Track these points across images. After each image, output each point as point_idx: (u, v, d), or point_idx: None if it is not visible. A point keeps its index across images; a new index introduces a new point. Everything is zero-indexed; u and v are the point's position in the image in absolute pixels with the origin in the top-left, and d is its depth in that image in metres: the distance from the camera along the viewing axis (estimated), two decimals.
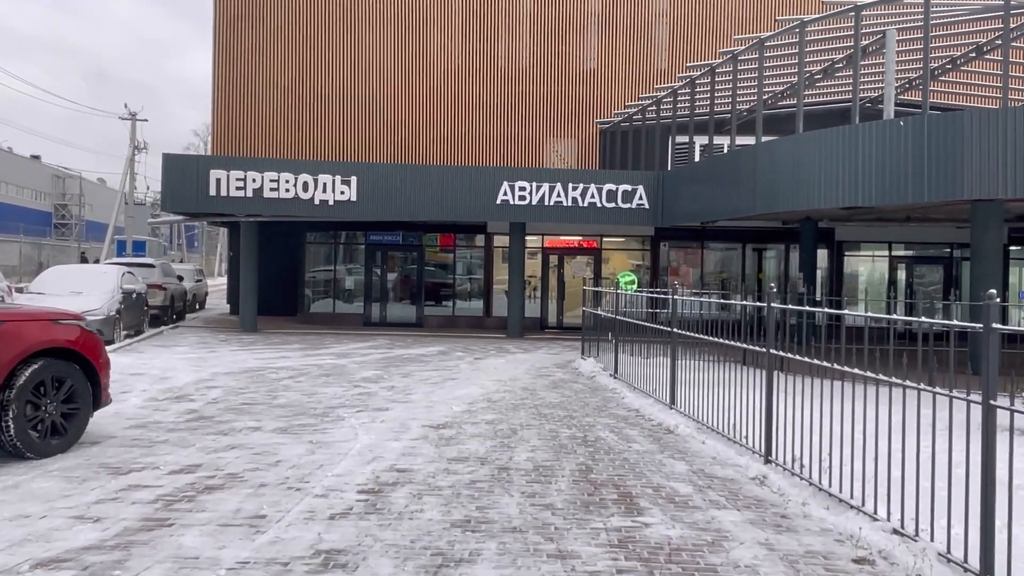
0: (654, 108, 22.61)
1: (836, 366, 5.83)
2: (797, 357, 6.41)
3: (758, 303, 7.43)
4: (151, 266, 22.01)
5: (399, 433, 8.10)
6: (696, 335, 8.96)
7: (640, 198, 20.26)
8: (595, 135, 26.36)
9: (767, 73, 18.62)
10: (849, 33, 16.98)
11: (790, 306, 6.87)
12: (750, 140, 18.35)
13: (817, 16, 16.21)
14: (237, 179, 19.49)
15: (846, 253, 23.30)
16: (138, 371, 12.30)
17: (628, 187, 20.28)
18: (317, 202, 19.67)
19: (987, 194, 12.37)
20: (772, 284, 7.16)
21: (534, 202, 20.10)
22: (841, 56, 19.07)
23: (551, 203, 20.11)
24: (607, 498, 5.88)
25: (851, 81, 16.71)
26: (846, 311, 6.12)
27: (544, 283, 23.40)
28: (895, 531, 4.92)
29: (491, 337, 20.70)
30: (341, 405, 9.74)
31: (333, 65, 26.24)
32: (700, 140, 22.69)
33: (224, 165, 19.89)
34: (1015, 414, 4.22)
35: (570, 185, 20.16)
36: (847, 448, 5.73)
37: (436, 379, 12.39)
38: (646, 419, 9.26)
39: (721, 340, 8.12)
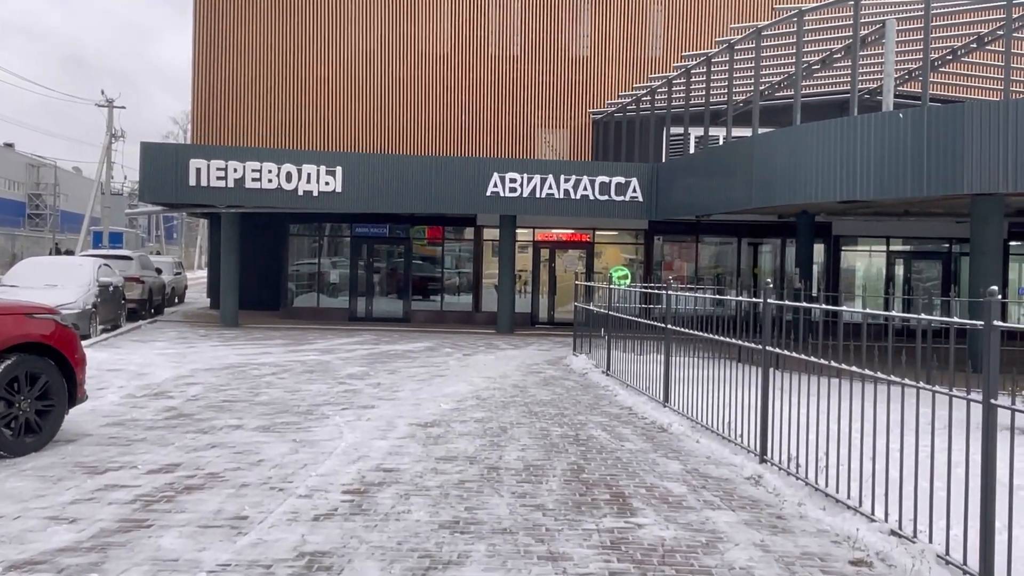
0: (648, 98, 22.61)
1: (833, 363, 5.85)
2: (793, 354, 6.43)
3: (754, 299, 7.45)
4: (128, 258, 21.90)
5: (385, 431, 8.08)
6: (691, 331, 8.98)
7: (634, 190, 20.28)
8: (588, 125, 26.35)
9: (764, 63, 18.65)
10: (848, 23, 17.01)
11: (787, 302, 6.89)
12: (746, 132, 18.38)
13: (816, 5, 16.24)
14: (218, 169, 19.38)
15: (843, 248, 23.40)
16: (115, 367, 12.24)
17: (621, 179, 20.29)
18: (301, 193, 19.59)
19: (988, 188, 12.44)
20: (769, 280, 7.18)
21: (525, 194, 20.09)
22: (840, 46, 19.11)
23: (542, 195, 20.10)
24: (599, 498, 5.89)
25: (850, 72, 16.74)
26: (844, 307, 6.14)
27: (535, 277, 23.40)
28: (893, 532, 4.94)
29: (480, 333, 20.69)
30: (326, 403, 9.72)
31: (317, 52, 26.11)
32: (695, 131, 22.75)
33: (204, 154, 19.79)
34: (1016, 413, 4.25)
35: (562, 177, 20.15)
36: (844, 447, 5.75)
37: (424, 376, 12.37)
38: (639, 417, 9.28)
39: (716, 337, 8.14)
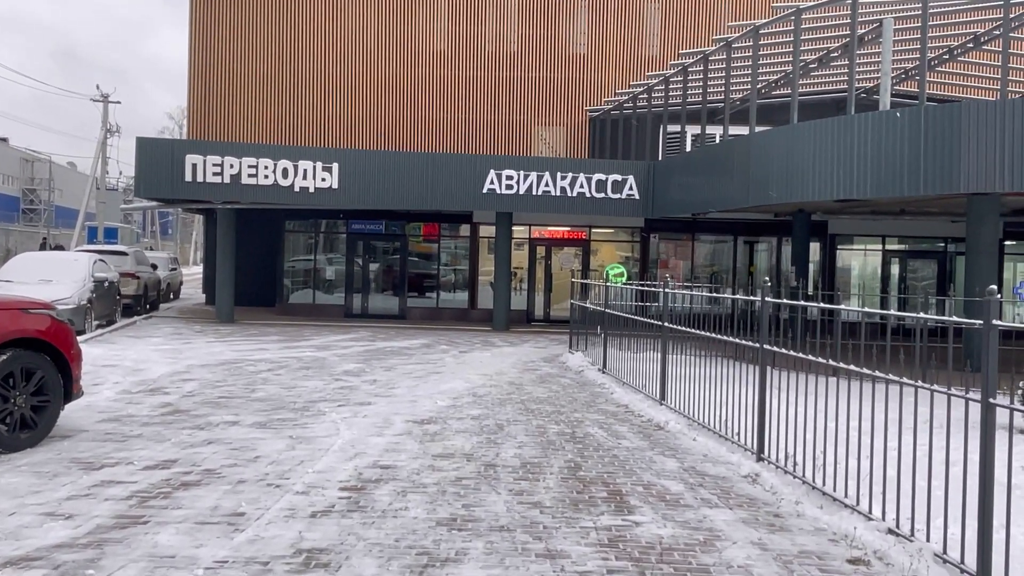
0: (645, 96, 22.61)
1: (830, 362, 5.85)
2: (790, 352, 6.44)
3: (751, 297, 7.45)
4: (124, 254, 21.81)
5: (382, 428, 8.07)
6: (687, 329, 8.98)
7: (630, 188, 20.28)
8: (585, 123, 26.34)
9: (761, 61, 18.66)
10: (845, 21, 17.01)
11: (785, 300, 6.89)
12: (743, 130, 18.40)
13: (813, 3, 16.24)
14: (214, 164, 19.33)
15: (839, 246, 23.44)
16: (111, 362, 12.20)
17: (618, 177, 20.29)
18: (297, 189, 19.55)
19: (984, 188, 12.47)
20: (767, 278, 7.18)
21: (521, 191, 20.07)
22: (837, 45, 19.12)
23: (539, 192, 20.09)
24: (596, 496, 5.88)
25: (847, 71, 16.76)
26: (842, 306, 6.15)
27: (531, 275, 23.39)
28: (890, 531, 4.95)
29: (476, 330, 20.69)
30: (322, 399, 9.70)
31: (315, 47, 26.06)
32: (692, 130, 22.75)
33: (200, 150, 19.73)
34: (1015, 412, 4.25)
35: (559, 174, 20.14)
36: (841, 446, 5.76)
37: (420, 373, 12.36)
38: (636, 415, 9.28)
39: (713, 335, 8.14)
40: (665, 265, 23.67)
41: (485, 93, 26.31)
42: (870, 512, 5.23)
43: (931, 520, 4.73)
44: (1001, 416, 4.34)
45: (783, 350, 6.61)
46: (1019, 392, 7.03)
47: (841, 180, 13.72)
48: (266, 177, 19.43)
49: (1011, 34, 15.30)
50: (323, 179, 19.60)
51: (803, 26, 16.25)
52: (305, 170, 19.53)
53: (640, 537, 5.01)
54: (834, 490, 5.69)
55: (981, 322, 4.27)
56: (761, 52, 17.99)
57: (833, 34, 18.84)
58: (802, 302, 6.68)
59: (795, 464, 6.32)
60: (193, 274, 49.38)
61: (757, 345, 7.02)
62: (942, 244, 22.96)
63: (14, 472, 6.07)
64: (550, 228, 23.21)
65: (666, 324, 9.66)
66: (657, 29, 26.57)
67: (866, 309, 5.70)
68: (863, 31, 17.23)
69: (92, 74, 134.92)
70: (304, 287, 23.86)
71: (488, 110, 26.31)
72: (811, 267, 21.05)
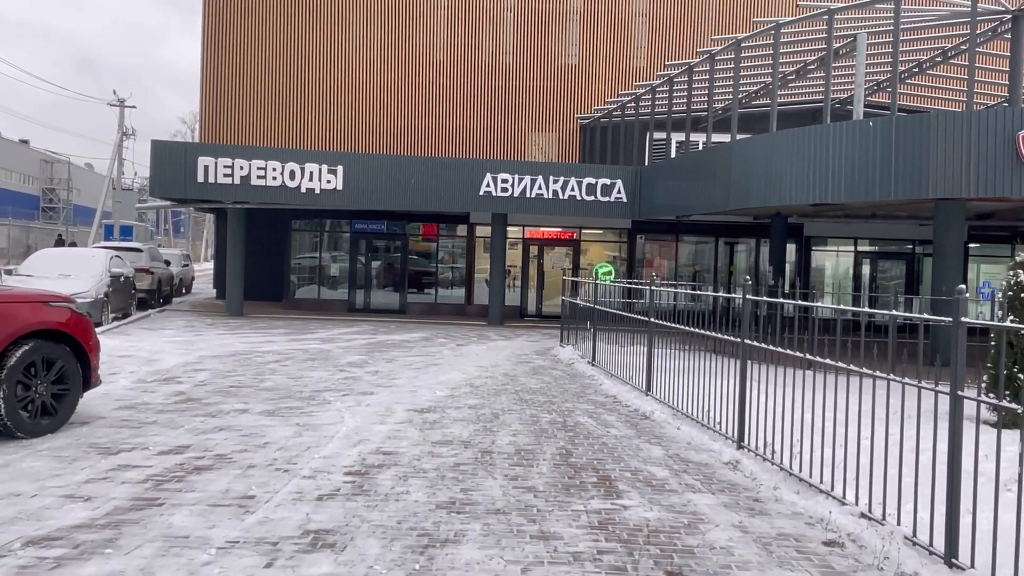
0: (633, 105, 22.61)
1: (807, 356, 5.86)
2: (770, 347, 6.45)
3: (733, 295, 7.47)
4: (139, 250, 21.72)
5: (384, 417, 8.05)
6: (671, 325, 8.99)
7: (618, 192, 20.28)
8: (576, 130, 26.33)
9: (743, 73, 18.67)
10: (822, 36, 17.05)
11: (764, 298, 6.90)
12: (725, 138, 18.41)
13: (792, 19, 16.26)
14: (225, 166, 19.25)
15: (814, 248, 23.49)
16: (126, 353, 12.14)
17: (607, 181, 20.29)
18: (304, 190, 19.48)
19: (951, 193, 12.51)
20: (747, 277, 7.19)
21: (516, 194, 20.05)
22: (814, 58, 19.16)
23: (532, 195, 20.07)
24: (587, 481, 5.88)
25: (823, 82, 16.78)
26: (818, 303, 6.16)
27: (524, 272, 23.38)
28: (863, 515, 4.96)
29: (472, 324, 20.67)
30: (327, 389, 9.67)
31: (322, 55, 25.97)
32: (677, 137, 22.74)
33: (212, 152, 19.64)
34: (981, 404, 4.27)
35: (551, 178, 20.13)
36: (817, 435, 5.77)
37: (419, 364, 12.34)
38: (623, 405, 9.29)
39: (696, 330, 8.15)
40: (651, 264, 23.69)
41: (482, 101, 26.27)
42: (844, 497, 5.24)
43: (902, 505, 4.74)
44: (968, 408, 4.35)
45: (762, 345, 6.63)
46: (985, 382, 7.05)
47: (817, 185, 13.75)
48: (274, 179, 19.35)
49: (977, 49, 15.33)
50: (328, 181, 19.53)
51: (782, 40, 16.28)
52: (311, 172, 19.46)
53: (628, 520, 5.02)
54: (810, 476, 5.71)
55: (951, 319, 4.28)
56: (743, 64, 18.00)
57: (810, 48, 18.88)
58: (780, 300, 6.69)
59: (773, 452, 6.34)
60: (204, 270, 49.19)
61: (738, 340, 7.03)
62: (910, 246, 23.03)
63: (36, 456, 6.04)
64: (542, 229, 23.19)
65: (652, 320, 9.67)
66: (644, 42, 26.56)
67: (840, 307, 5.71)
68: (838, 45, 17.28)
69: (109, 79, 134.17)
70: (310, 283, 23.80)
71: (485, 117, 26.27)
72: (788, 267, 21.08)
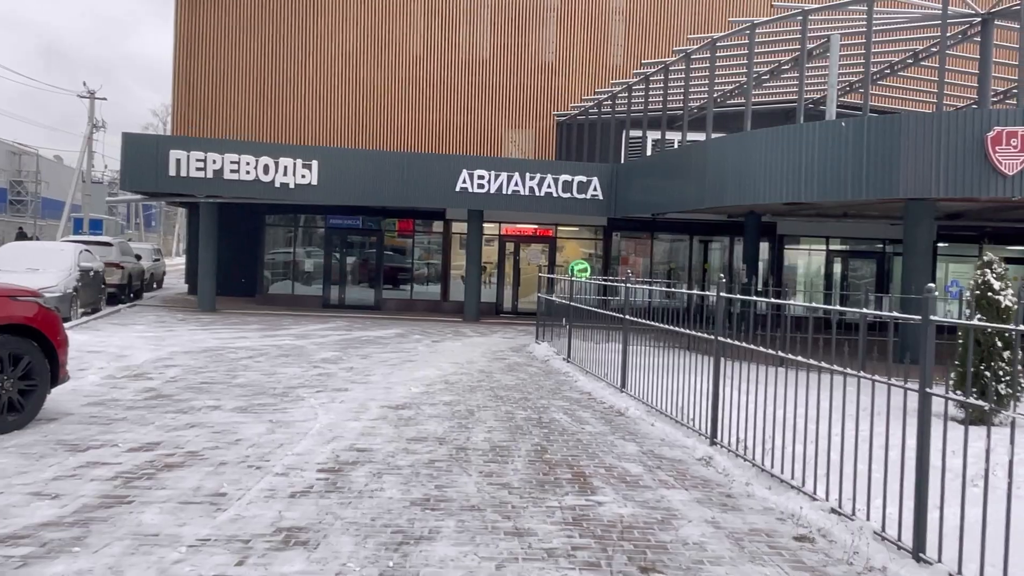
0: (609, 103, 22.67)
1: (779, 353, 5.92)
2: (743, 344, 6.50)
3: (707, 292, 7.51)
4: (109, 244, 21.38)
5: (358, 413, 8.01)
6: (646, 322, 9.03)
7: (594, 189, 20.33)
8: (552, 127, 26.34)
9: (718, 72, 18.79)
10: (796, 36, 17.22)
11: (737, 296, 6.95)
12: (700, 136, 18.52)
13: (767, 19, 16.40)
14: (197, 160, 19.02)
15: (787, 246, 23.74)
16: (95, 349, 11.96)
17: (583, 178, 20.33)
18: (278, 185, 19.30)
19: (920, 193, 12.70)
20: (722, 275, 7.24)
21: (492, 190, 20.03)
22: (788, 58, 19.33)
23: (509, 192, 20.06)
24: (561, 477, 5.90)
25: (797, 82, 16.95)
26: (790, 301, 6.22)
27: (500, 269, 23.38)
28: (833, 511, 5.02)
29: (448, 321, 20.62)
30: (301, 385, 9.60)
31: (296, 49, 25.72)
32: (653, 135, 22.85)
33: (184, 145, 19.39)
34: (948, 401, 4.34)
35: (527, 175, 20.13)
36: (788, 431, 5.83)
37: (394, 361, 12.29)
38: (598, 402, 9.32)
39: (670, 327, 8.19)
40: (626, 262, 23.80)
41: (459, 97, 26.19)
42: (815, 493, 5.30)
43: (871, 501, 4.81)
44: (936, 405, 4.42)
45: (735, 342, 6.68)
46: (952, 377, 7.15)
47: (790, 184, 13.88)
48: (248, 173, 19.15)
49: (947, 52, 15.57)
50: (303, 175, 19.37)
51: (757, 40, 16.41)
52: (286, 166, 19.29)
53: (602, 516, 5.03)
54: (782, 472, 5.76)
55: (920, 317, 4.34)
56: (718, 64, 18.12)
57: (784, 48, 19.05)
58: (753, 297, 6.74)
59: (746, 448, 6.40)
60: (176, 265, 48.57)
61: (711, 337, 7.08)
62: (881, 245, 23.35)
63: (2, 453, 5.92)
64: (519, 225, 23.20)
65: (627, 317, 9.71)
66: (621, 40, 26.63)
67: (811, 304, 5.77)
68: (812, 46, 17.44)
69: (79, 71, 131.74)
70: (283, 278, 23.60)
71: (462, 113, 26.20)
72: (761, 265, 21.29)
